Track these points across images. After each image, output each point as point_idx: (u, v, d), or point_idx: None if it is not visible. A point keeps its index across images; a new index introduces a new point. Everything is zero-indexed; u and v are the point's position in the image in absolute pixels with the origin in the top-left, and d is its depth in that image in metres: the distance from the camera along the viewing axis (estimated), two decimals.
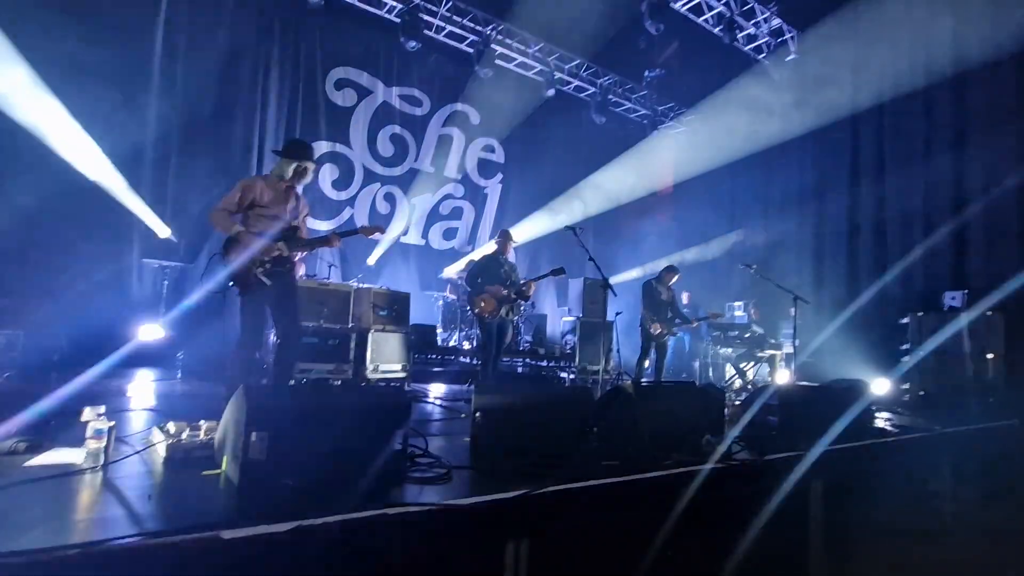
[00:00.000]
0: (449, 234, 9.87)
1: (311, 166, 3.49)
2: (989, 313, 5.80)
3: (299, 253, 3.53)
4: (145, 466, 2.24)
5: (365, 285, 6.54)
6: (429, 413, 4.32)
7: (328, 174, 8.52)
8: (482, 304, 5.24)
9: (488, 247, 9.96)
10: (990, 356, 5.66)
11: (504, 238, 5.62)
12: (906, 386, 6.25)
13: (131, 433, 2.77)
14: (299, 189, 3.55)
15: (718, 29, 8.58)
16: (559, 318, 9.27)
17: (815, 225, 9.20)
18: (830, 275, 8.92)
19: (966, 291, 6.29)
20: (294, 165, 3.40)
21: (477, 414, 2.73)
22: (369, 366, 5.47)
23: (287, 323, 3.44)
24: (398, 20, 8.14)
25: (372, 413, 2.23)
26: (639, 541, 2.39)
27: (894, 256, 8.04)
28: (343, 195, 8.66)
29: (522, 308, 6.37)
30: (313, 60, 8.29)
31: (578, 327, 7.22)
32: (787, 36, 9.06)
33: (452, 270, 8.97)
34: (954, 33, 7.40)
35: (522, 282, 5.44)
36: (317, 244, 3.58)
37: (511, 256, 5.66)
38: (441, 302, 8.38)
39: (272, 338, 3.71)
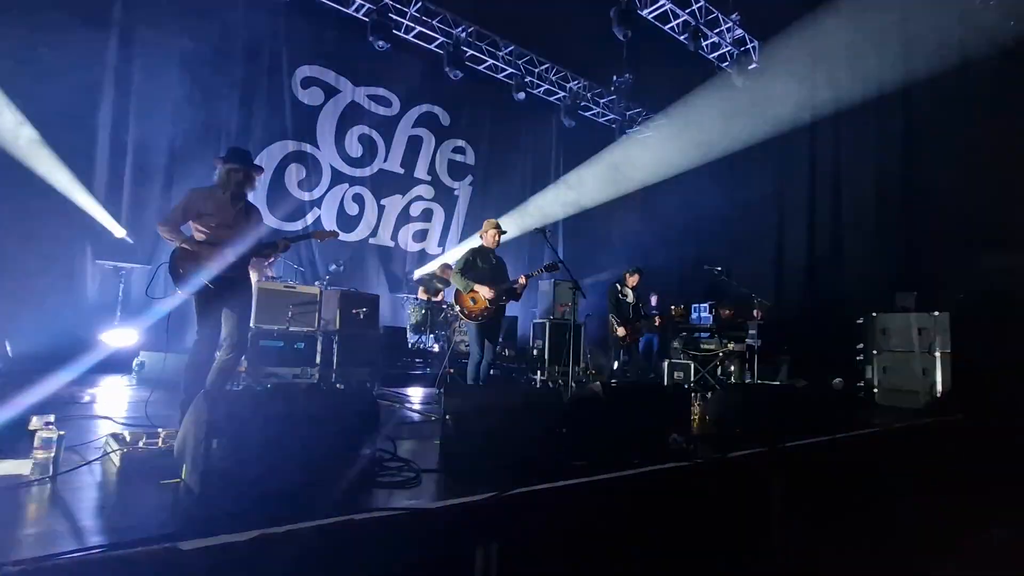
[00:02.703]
0: (419, 236, 9.79)
1: (241, 169, 3.44)
2: (936, 313, 6.10)
3: (251, 260, 3.53)
4: (99, 477, 2.14)
5: (333, 287, 6.43)
6: (399, 417, 4.27)
7: (294, 174, 8.33)
8: (470, 303, 4.79)
9: (472, 240, 9.87)
10: (937, 354, 5.95)
11: (494, 229, 5.07)
12: (861, 383, 6.51)
13: (83, 443, 2.65)
14: (249, 197, 3.55)
15: (684, 37, 8.78)
16: (529, 320, 9.31)
17: (776, 229, 9.52)
18: (790, 277, 9.23)
19: (915, 292, 6.61)
20: (233, 173, 3.40)
21: (447, 417, 2.73)
22: (337, 369, 5.38)
23: (233, 329, 3.45)
24: (367, 19, 8.05)
25: (339, 417, 2.21)
26: (607, 540, 2.42)
27: (850, 259, 8.39)
28: (309, 196, 8.49)
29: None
30: (279, 57, 8.11)
31: (548, 329, 7.27)
32: (749, 46, 9.35)
33: (422, 272, 8.90)
34: (905, 44, 7.79)
35: (514, 279, 4.95)
36: (266, 250, 3.57)
37: (497, 249, 5.15)
38: (411, 304, 8.31)
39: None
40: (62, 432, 2.15)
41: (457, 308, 4.97)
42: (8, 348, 4.71)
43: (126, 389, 5.01)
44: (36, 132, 5.82)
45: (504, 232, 5.16)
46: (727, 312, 8.32)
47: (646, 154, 11.70)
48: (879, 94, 8.08)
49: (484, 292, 4.77)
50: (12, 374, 4.11)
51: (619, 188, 11.71)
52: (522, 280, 4.85)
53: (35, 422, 2.32)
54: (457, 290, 4.91)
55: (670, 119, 10.74)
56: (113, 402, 4.18)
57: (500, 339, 5.21)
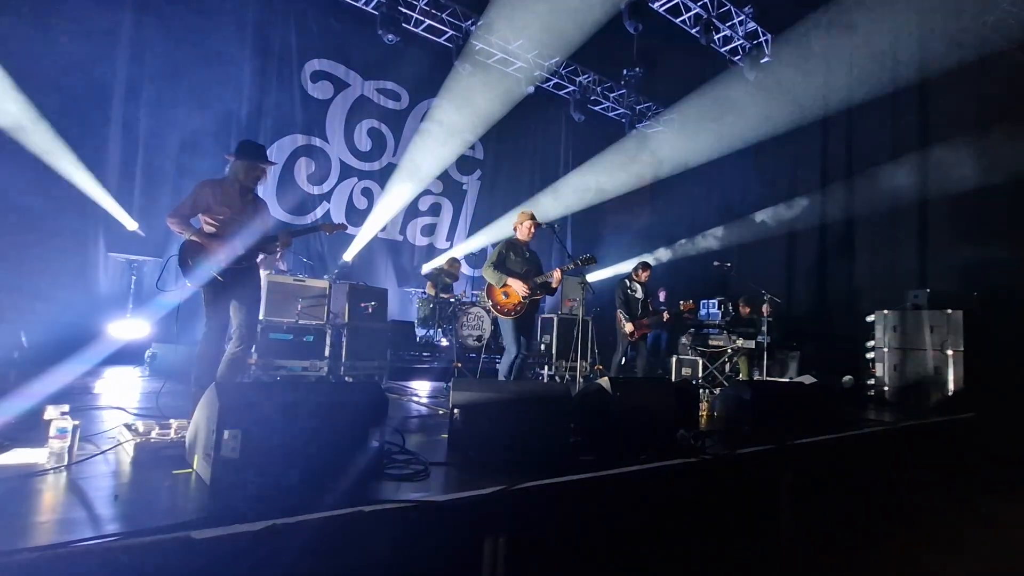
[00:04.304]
0: (427, 230, 9.80)
1: (265, 167, 3.49)
2: (949, 311, 6.02)
3: (260, 253, 3.55)
4: (112, 466, 2.17)
5: (342, 281, 6.46)
6: (407, 410, 4.29)
7: (304, 168, 8.36)
8: (503, 298, 4.55)
9: (480, 235, 9.80)
10: (949, 352, 5.88)
11: (529, 220, 4.71)
12: (872, 381, 6.46)
13: (97, 432, 2.69)
14: (258, 191, 3.57)
15: (695, 30, 8.69)
16: (537, 315, 9.31)
17: (788, 225, 9.43)
18: (801, 274, 9.15)
19: (928, 290, 6.53)
20: (247, 167, 3.42)
21: (455, 411, 2.73)
22: (345, 363, 5.41)
23: (243, 321, 3.47)
24: (376, 12, 8.03)
25: (347, 410, 2.22)
26: (615, 535, 2.42)
27: (862, 256, 8.30)
28: (319, 190, 8.51)
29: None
30: (289, 51, 8.12)
31: (556, 324, 7.26)
32: (762, 39, 9.24)
33: (430, 266, 8.91)
34: (920, 39, 7.66)
35: (548, 273, 4.67)
36: (269, 243, 3.56)
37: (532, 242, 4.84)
38: (419, 298, 8.33)
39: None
40: (77, 422, 2.18)
41: (489, 303, 4.69)
42: (23, 339, 4.78)
43: (138, 380, 5.08)
44: (49, 125, 5.88)
45: (540, 225, 4.82)
46: (745, 308, 8.25)
47: (657, 148, 11.63)
48: (893, 89, 7.98)
49: (518, 287, 4.52)
50: (27, 365, 4.18)
51: (630, 182, 11.64)
52: (556, 274, 4.58)
53: (50, 411, 2.35)
54: (489, 284, 4.65)
55: (681, 114, 10.65)
56: (126, 393, 4.24)
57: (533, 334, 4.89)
